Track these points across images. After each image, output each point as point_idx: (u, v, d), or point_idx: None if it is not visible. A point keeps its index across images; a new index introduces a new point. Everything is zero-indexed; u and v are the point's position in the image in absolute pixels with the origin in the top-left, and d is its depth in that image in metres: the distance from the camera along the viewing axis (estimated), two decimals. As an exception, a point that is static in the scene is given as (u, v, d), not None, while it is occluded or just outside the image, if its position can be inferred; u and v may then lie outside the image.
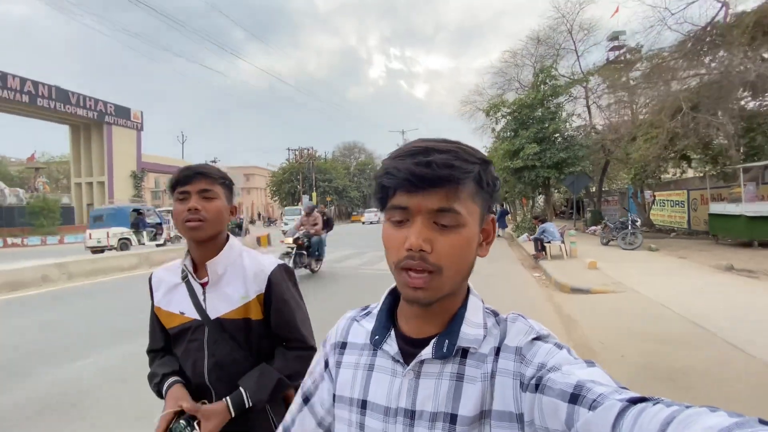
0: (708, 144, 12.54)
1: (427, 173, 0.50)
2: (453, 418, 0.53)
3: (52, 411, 3.04)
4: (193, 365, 1.07)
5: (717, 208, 11.86)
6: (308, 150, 49.99)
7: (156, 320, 1.16)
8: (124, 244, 15.68)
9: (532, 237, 10.78)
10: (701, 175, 14.79)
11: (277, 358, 1.12)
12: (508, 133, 17.74)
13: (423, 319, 0.58)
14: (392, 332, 0.60)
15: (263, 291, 1.10)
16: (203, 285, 1.09)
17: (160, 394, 1.07)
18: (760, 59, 9.01)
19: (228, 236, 1.15)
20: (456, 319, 0.57)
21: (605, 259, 9.21)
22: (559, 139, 16.71)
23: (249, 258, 1.14)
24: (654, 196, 18.26)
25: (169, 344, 1.16)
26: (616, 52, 25.15)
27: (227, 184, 1.13)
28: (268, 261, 1.15)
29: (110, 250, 14.97)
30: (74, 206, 32.84)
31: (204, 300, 1.08)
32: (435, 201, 0.51)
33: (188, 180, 1.06)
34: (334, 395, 0.64)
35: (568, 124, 17.38)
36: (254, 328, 1.09)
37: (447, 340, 0.55)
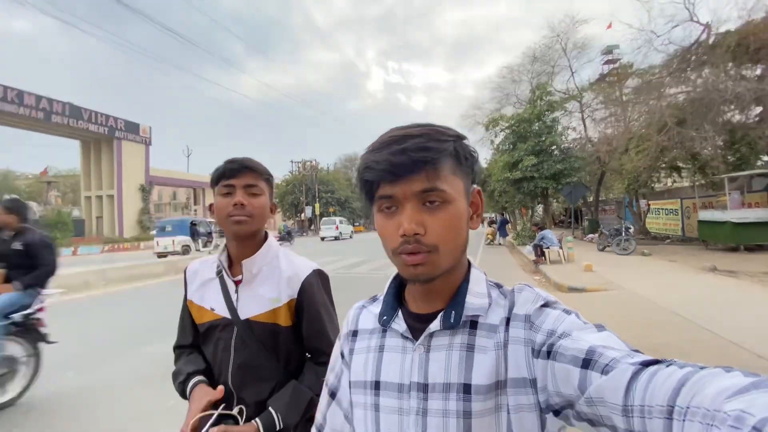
0: (696, 155, 13.38)
1: (404, 160, 0.52)
2: (467, 388, 0.54)
3: (147, 382, 3.73)
4: (218, 365, 1.05)
5: (705, 215, 12.62)
6: (311, 162, 51.06)
7: (187, 314, 1.13)
8: (186, 250, 18.41)
9: (533, 244, 11.50)
10: (691, 184, 15.60)
11: (307, 373, 1.07)
12: (507, 146, 18.63)
13: (429, 296, 0.60)
14: (399, 312, 0.61)
15: (295, 297, 1.06)
16: (236, 283, 1.06)
17: (183, 394, 1.04)
18: (740, 77, 9.87)
19: (266, 234, 1.12)
20: (460, 291, 0.58)
21: (600, 263, 9.93)
22: (556, 151, 17.57)
23: (285, 260, 1.11)
24: (648, 205, 19.03)
25: (197, 341, 1.13)
26: (610, 66, 26.29)
27: (270, 180, 1.10)
28: (304, 265, 1.12)
29: (174, 254, 17.58)
30: (84, 219, 33.59)
31: (236, 299, 1.05)
32: (418, 184, 0.53)
33: (234, 174, 1.02)
34: (350, 382, 0.65)
35: (563, 137, 18.24)
36: (282, 334, 1.05)
37: (453, 311, 0.57)
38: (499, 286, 0.61)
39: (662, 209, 19.53)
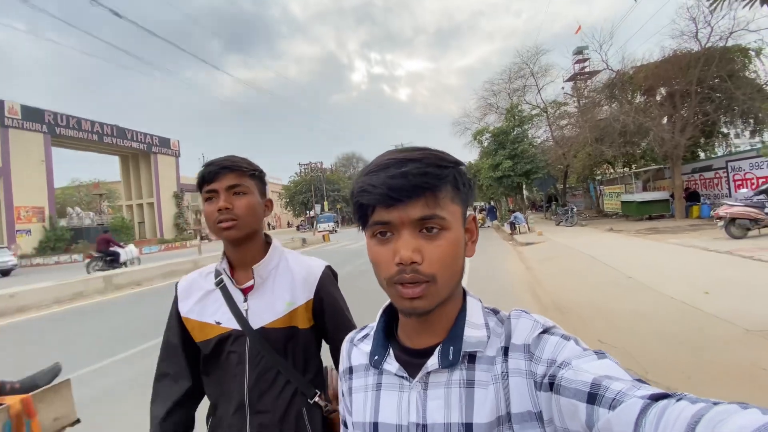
0: (627, 153, 19.31)
1: (404, 184, 0.50)
2: (468, 427, 0.51)
3: (347, 278, 9.30)
4: (232, 381, 0.97)
5: (625, 197, 18.62)
6: (317, 164, 56.43)
7: (178, 334, 1.03)
8: (333, 233, 32.33)
9: (508, 222, 17.40)
10: (622, 175, 21.65)
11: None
12: (491, 151, 24.42)
13: (424, 330, 0.57)
14: (390, 350, 0.59)
15: (312, 297, 1.03)
16: (244, 291, 1.00)
17: None
18: (632, 111, 15.63)
19: (267, 236, 1.07)
20: (457, 323, 0.56)
21: (549, 231, 15.78)
22: (526, 154, 23.47)
23: (294, 260, 1.07)
24: (602, 190, 25.07)
25: (188, 365, 1.03)
26: (582, 65, 31.78)
27: (258, 175, 1.02)
28: (316, 263, 1.08)
29: (331, 232, 31.18)
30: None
31: (247, 308, 0.99)
32: (416, 210, 0.51)
33: (214, 176, 0.95)
34: (352, 423, 0.63)
35: (531, 144, 24.12)
36: (301, 336, 1.01)
37: (452, 347, 0.54)
38: (495, 312, 0.59)
39: (613, 193, 25.68)
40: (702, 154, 18.68)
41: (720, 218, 9.12)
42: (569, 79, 31.07)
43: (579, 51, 32.30)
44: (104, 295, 8.76)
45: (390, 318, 0.63)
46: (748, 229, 8.85)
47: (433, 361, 0.54)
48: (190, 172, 42.87)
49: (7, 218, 27.63)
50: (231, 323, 0.98)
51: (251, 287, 1.00)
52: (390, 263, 0.51)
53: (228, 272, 1.00)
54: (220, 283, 1.01)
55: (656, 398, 0.39)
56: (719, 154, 17.92)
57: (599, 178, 24.07)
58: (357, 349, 0.66)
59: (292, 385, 0.99)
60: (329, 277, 1.07)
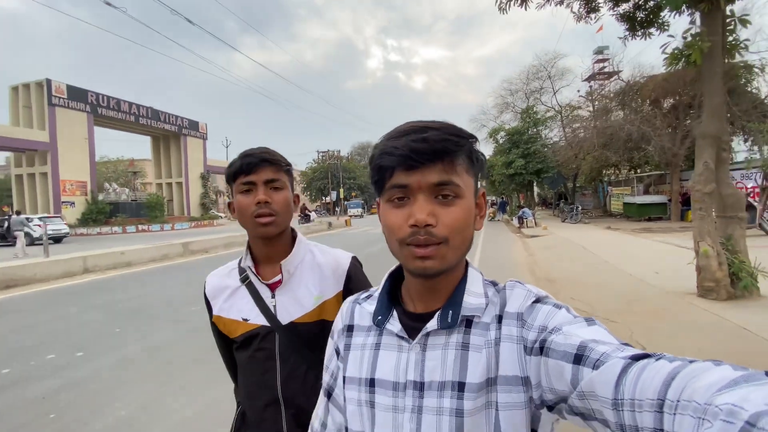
0: (630, 159, 20.66)
1: (425, 148, 0.52)
2: (461, 386, 0.54)
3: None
4: (263, 378, 0.97)
5: (627, 199, 20.04)
6: (334, 152, 58.25)
7: (218, 333, 1.05)
8: (360, 217, 36.89)
9: (516, 216, 19.06)
10: (628, 178, 22.98)
11: None
12: (505, 149, 25.86)
13: (427, 294, 0.60)
14: (394, 311, 0.61)
15: (342, 289, 1.02)
16: (271, 287, 0.99)
17: None
18: (638, 121, 16.98)
19: (293, 230, 1.06)
20: (458, 290, 0.59)
21: (554, 226, 17.39)
22: (538, 155, 24.90)
23: (320, 253, 1.06)
24: (610, 191, 26.42)
25: (230, 360, 1.07)
26: (602, 64, 32.58)
27: (290, 170, 1.02)
28: (342, 255, 1.08)
29: (357, 217, 34.90)
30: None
31: (275, 304, 0.98)
32: (434, 175, 0.53)
33: (252, 168, 0.94)
34: (344, 377, 0.64)
35: (543, 146, 25.52)
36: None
37: (451, 311, 0.57)
38: (494, 284, 0.62)
39: (620, 194, 27.03)
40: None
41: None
42: (588, 79, 31.99)
43: (599, 50, 32.94)
44: (183, 258, 10.80)
45: (395, 282, 0.65)
46: (720, 231, 10.42)
47: (432, 323, 0.57)
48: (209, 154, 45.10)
49: (54, 191, 30.14)
50: (259, 319, 0.98)
51: (278, 282, 0.99)
52: (404, 225, 0.54)
53: (253, 269, 1.00)
54: (245, 280, 1.00)
55: (637, 358, 0.41)
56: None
57: (607, 179, 25.43)
58: (360, 307, 0.68)
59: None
60: (356, 267, 1.07)
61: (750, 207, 10.41)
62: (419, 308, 0.61)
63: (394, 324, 0.60)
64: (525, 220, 18.21)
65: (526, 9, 6.10)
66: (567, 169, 26.93)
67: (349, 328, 0.67)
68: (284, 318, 0.97)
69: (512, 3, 6.12)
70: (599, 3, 7.03)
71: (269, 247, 1.00)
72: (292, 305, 0.98)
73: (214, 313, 1.03)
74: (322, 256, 1.05)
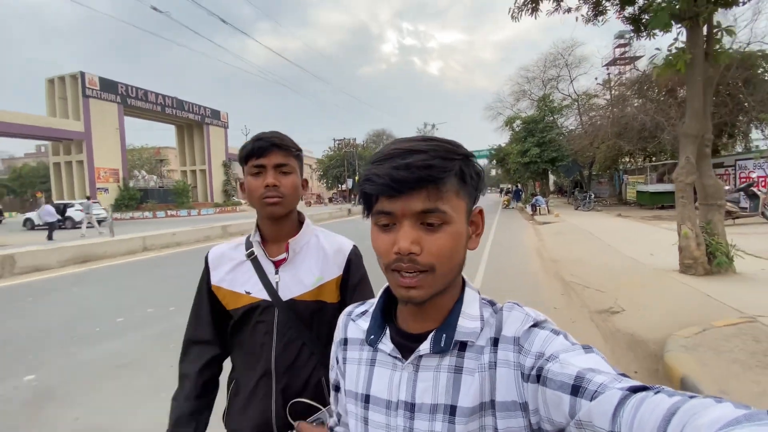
0: (644, 148, 20.94)
1: (407, 176, 0.50)
2: (452, 410, 0.54)
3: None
4: (260, 350, 1.02)
5: (640, 187, 20.40)
6: (350, 140, 59.09)
7: (206, 303, 1.09)
8: None
9: (530, 204, 19.71)
10: (643, 166, 23.21)
11: None
12: (521, 137, 26.29)
13: (420, 316, 0.59)
14: (387, 331, 0.61)
15: (341, 273, 1.08)
16: (276, 264, 1.05)
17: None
18: (652, 112, 17.27)
19: (300, 214, 1.12)
20: (453, 313, 0.58)
21: (566, 214, 18.00)
22: (553, 143, 25.27)
23: (324, 237, 1.12)
24: (626, 179, 26.65)
25: (216, 334, 1.09)
26: (623, 49, 32.23)
27: (300, 155, 1.07)
28: (345, 242, 1.13)
29: None
30: (183, 188, 42.79)
31: (277, 280, 1.04)
32: (418, 203, 0.51)
33: (263, 152, 0.99)
34: (345, 390, 0.66)
35: (558, 134, 25.84)
36: (327, 310, 1.06)
37: (444, 335, 0.56)
38: (492, 303, 0.61)
39: (635, 182, 27.22)
40: (723, 151, 20.11)
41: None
42: (608, 64, 31.74)
43: (620, 35, 32.51)
44: (222, 239, 11.99)
45: (390, 298, 0.64)
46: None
47: (425, 346, 0.56)
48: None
49: (90, 177, 32.01)
50: (261, 294, 1.02)
51: (283, 260, 1.04)
52: (390, 251, 0.53)
53: (261, 245, 1.05)
54: (251, 255, 1.05)
55: (635, 390, 0.40)
56: (738, 150, 19.33)
57: (623, 167, 25.64)
58: (354, 324, 0.68)
59: (315, 357, 1.03)
60: (357, 256, 1.12)
61: (754, 196, 10.91)
62: (413, 328, 0.60)
63: (386, 344, 0.60)
64: (538, 208, 18.85)
65: (536, 18, 6.81)
66: (583, 157, 27.23)
67: (344, 342, 0.68)
68: (285, 294, 1.02)
69: (523, 12, 6.83)
70: (606, 6, 7.65)
71: (276, 226, 1.05)
72: (294, 283, 1.03)
73: (213, 282, 1.07)
74: (326, 241, 1.10)
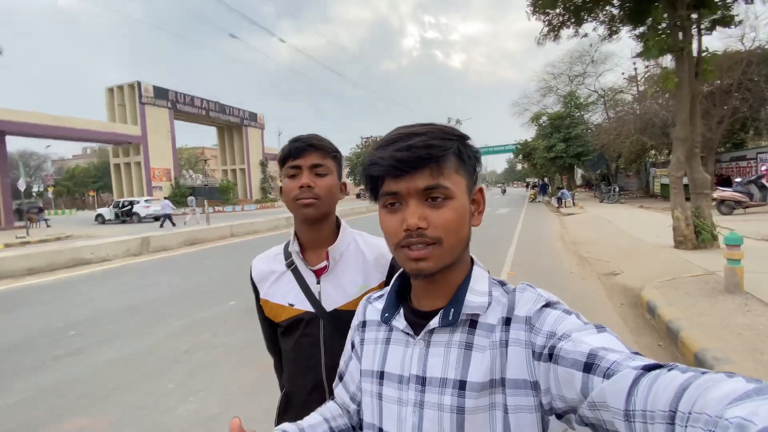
0: (667, 144, 21.73)
1: (409, 156, 0.54)
2: (462, 384, 0.56)
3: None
4: (308, 362, 1.01)
5: (663, 180, 21.25)
6: (377, 138, 61.03)
7: (263, 317, 1.09)
8: None
9: (556, 197, 21.00)
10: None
11: None
12: (547, 133, 27.37)
13: (430, 293, 0.62)
14: (401, 309, 0.65)
15: (384, 279, 1.04)
16: (317, 273, 1.02)
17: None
18: (664, 110, 18.23)
19: (337, 218, 1.09)
20: (461, 289, 0.61)
21: (590, 206, 19.22)
22: (579, 139, 26.26)
23: (364, 242, 1.09)
24: (654, 172, 27.30)
25: (273, 344, 1.11)
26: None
27: (338, 157, 1.05)
28: (385, 244, 1.00)
29: None
30: (225, 186, 45.98)
31: (319, 290, 1.01)
32: (421, 181, 0.55)
33: (299, 153, 0.98)
34: (361, 371, 0.70)
35: (585, 129, 26.77)
36: None
37: (453, 309, 0.59)
38: (502, 284, 0.63)
39: (662, 175, 27.81)
40: (747, 145, 20.69)
41: (714, 200, 12.42)
42: (637, 56, 32.09)
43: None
44: (287, 228, 14.11)
45: (405, 282, 0.69)
46: (734, 209, 12.11)
47: (434, 320, 0.59)
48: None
49: (146, 177, 35.30)
50: (304, 305, 1.00)
51: (324, 269, 1.02)
52: (399, 230, 0.57)
53: (300, 255, 1.02)
54: (291, 265, 1.04)
55: (649, 369, 0.41)
56: (763, 144, 19.90)
57: (652, 160, 26.29)
58: (371, 306, 0.73)
59: None
60: None
61: (763, 188, 11.98)
62: (424, 306, 0.63)
63: (399, 321, 0.64)
64: (564, 201, 20.11)
65: (558, 44, 8.38)
66: (609, 151, 27.99)
67: (363, 324, 0.73)
68: (329, 305, 1.00)
69: (548, 39, 8.42)
70: (619, 27, 9.08)
71: (313, 232, 1.03)
72: (337, 292, 1.01)
73: (261, 296, 1.07)
74: (365, 245, 1.07)
